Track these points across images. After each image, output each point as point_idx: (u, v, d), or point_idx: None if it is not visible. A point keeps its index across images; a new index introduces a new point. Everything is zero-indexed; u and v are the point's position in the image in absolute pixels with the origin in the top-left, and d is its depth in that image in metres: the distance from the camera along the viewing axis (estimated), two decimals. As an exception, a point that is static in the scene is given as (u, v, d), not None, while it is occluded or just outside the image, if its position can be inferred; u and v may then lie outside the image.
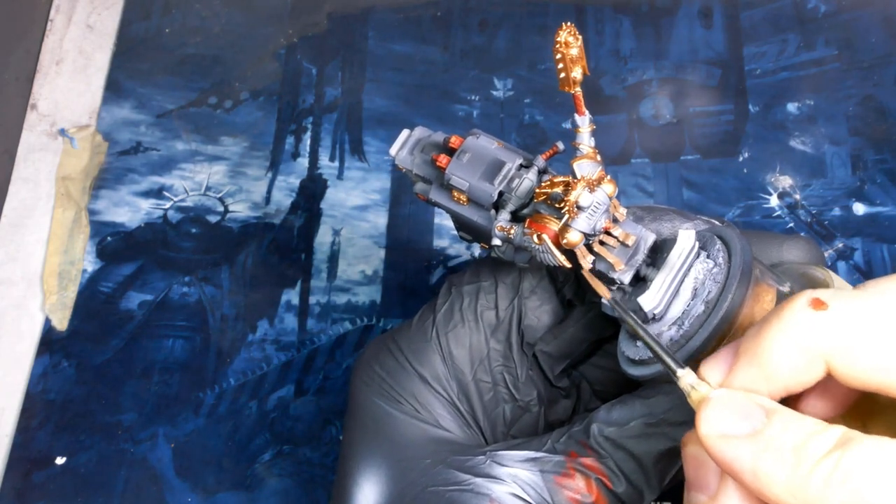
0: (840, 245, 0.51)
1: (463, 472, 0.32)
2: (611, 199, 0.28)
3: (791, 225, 0.52)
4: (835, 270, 0.50)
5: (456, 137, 0.32)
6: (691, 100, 0.56)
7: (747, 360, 0.23)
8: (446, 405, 0.35)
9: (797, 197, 0.52)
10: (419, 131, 0.34)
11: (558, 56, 0.27)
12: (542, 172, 0.31)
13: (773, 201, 0.53)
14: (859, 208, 0.52)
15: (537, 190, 0.29)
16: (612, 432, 0.31)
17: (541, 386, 0.36)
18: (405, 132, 0.34)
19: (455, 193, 0.32)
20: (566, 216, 0.28)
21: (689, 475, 0.24)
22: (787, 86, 0.56)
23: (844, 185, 0.52)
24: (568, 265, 0.29)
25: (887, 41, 0.56)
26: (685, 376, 0.24)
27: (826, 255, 0.51)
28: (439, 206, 0.33)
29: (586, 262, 0.29)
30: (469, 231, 0.34)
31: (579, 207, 0.27)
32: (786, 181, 0.53)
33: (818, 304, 0.22)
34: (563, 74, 0.27)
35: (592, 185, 0.28)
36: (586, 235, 0.28)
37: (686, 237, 0.28)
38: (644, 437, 0.31)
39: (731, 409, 0.22)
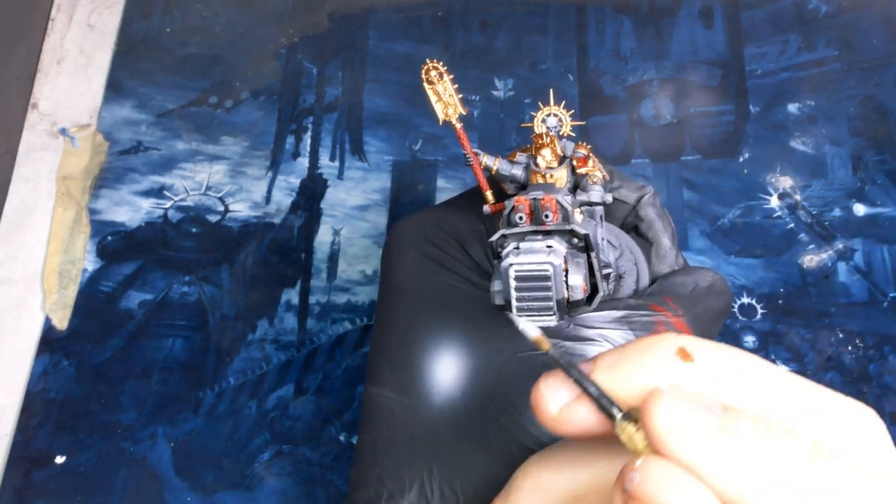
0: (840, 246, 0.51)
1: (548, 335, 0.31)
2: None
3: (791, 226, 0.52)
4: (835, 272, 0.50)
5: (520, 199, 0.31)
6: (692, 100, 0.56)
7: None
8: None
9: (797, 197, 0.52)
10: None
11: (428, 89, 0.27)
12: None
13: (774, 202, 0.52)
14: (860, 209, 0.51)
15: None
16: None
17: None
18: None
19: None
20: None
21: None
22: (788, 86, 0.56)
23: (845, 185, 0.52)
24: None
25: (888, 42, 0.56)
26: (620, 421, 0.24)
27: (826, 255, 0.51)
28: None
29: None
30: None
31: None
32: (786, 182, 0.53)
33: (685, 354, 0.22)
34: (447, 108, 0.28)
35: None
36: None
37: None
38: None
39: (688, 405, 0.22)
